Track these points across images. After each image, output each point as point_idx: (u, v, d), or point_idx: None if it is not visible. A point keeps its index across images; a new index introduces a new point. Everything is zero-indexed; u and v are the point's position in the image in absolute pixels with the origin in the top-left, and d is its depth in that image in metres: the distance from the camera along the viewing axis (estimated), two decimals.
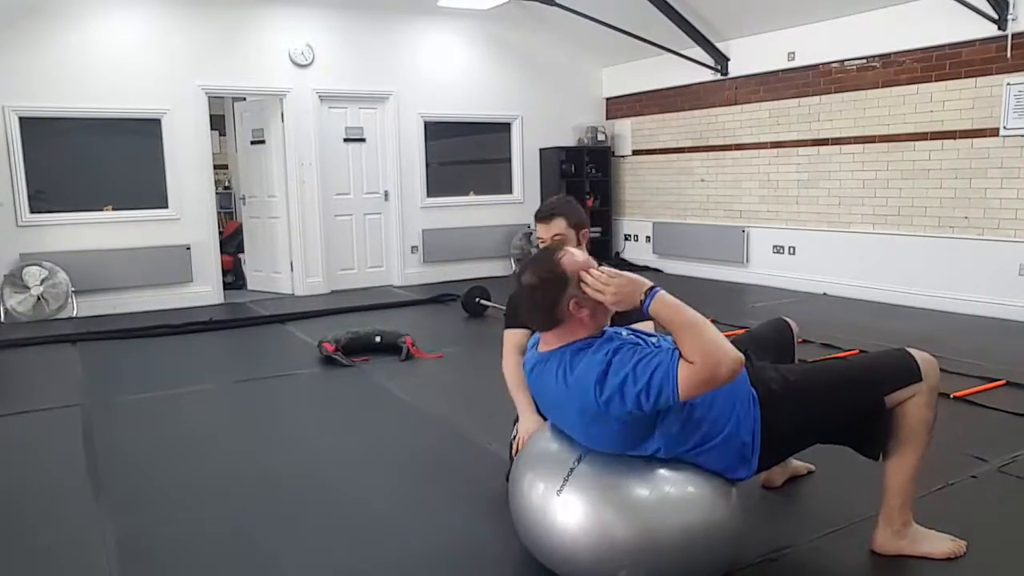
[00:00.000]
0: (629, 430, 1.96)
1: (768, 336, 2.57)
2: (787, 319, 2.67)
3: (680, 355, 1.84)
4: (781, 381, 2.13)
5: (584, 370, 1.95)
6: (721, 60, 7.80)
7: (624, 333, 2.11)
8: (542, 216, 2.85)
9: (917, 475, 2.20)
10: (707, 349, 1.80)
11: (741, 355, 1.82)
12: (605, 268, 2.02)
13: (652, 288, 1.91)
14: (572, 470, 2.04)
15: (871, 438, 2.16)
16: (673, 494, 2.00)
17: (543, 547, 2.09)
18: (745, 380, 2.08)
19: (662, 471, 2.01)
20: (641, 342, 2.01)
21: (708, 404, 1.99)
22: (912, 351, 2.18)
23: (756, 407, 2.06)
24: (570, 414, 2.07)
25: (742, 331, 2.71)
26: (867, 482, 2.39)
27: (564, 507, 2.00)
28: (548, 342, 2.09)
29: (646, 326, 2.76)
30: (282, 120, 7.63)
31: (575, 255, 2.05)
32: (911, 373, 2.12)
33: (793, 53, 7.13)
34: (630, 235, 9.42)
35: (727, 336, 1.89)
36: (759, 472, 2.13)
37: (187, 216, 7.23)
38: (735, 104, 7.84)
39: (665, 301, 1.90)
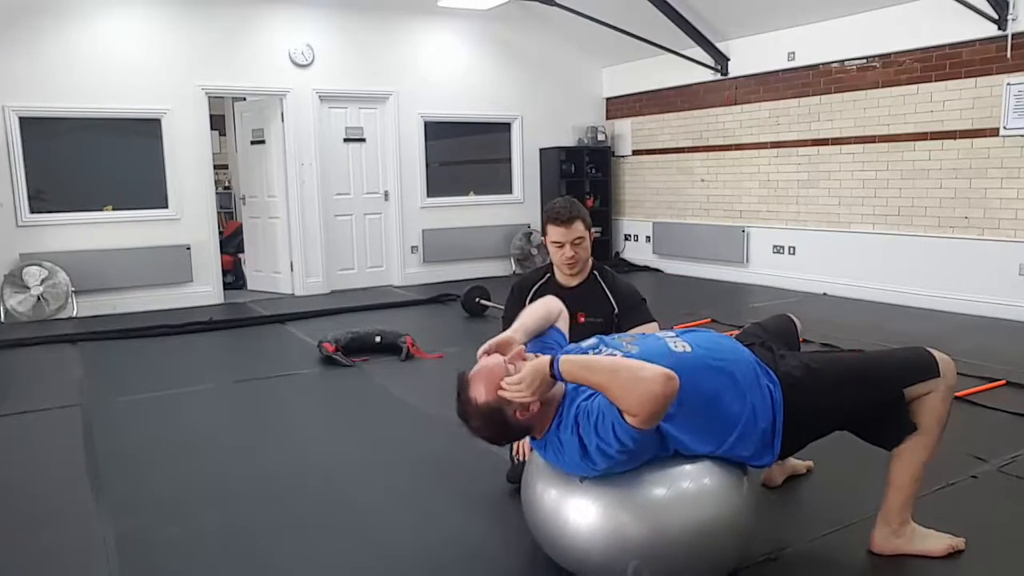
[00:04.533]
0: (638, 455, 1.96)
1: (775, 329, 2.57)
2: (791, 315, 2.68)
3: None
4: (803, 368, 2.15)
5: (570, 451, 1.99)
6: (721, 60, 7.80)
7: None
8: (563, 220, 2.76)
9: (922, 473, 2.20)
10: (632, 396, 1.80)
11: (666, 370, 1.80)
12: (505, 359, 2.02)
13: (552, 361, 1.93)
14: None
15: (888, 429, 2.17)
16: (686, 489, 2.01)
17: (556, 544, 2.10)
18: (751, 367, 2.09)
19: (675, 467, 2.02)
20: (592, 393, 1.98)
21: (714, 409, 2.00)
22: (931, 350, 2.21)
23: (777, 390, 2.08)
24: (584, 473, 2.07)
25: (741, 328, 2.70)
26: (867, 481, 2.39)
27: (578, 504, 2.01)
28: (536, 433, 2.10)
29: (650, 328, 2.76)
30: (282, 120, 7.63)
31: (486, 371, 2.01)
32: (930, 369, 2.14)
33: (793, 53, 7.13)
34: (630, 235, 9.42)
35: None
36: (782, 458, 2.13)
37: (187, 216, 7.23)
38: (735, 104, 7.84)
39: (571, 365, 1.91)
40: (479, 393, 1.98)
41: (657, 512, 1.98)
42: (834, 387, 2.14)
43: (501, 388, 1.95)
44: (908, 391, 2.13)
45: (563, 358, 1.94)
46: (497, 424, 2.00)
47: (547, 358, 1.95)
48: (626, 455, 1.91)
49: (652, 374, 1.79)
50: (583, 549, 2.02)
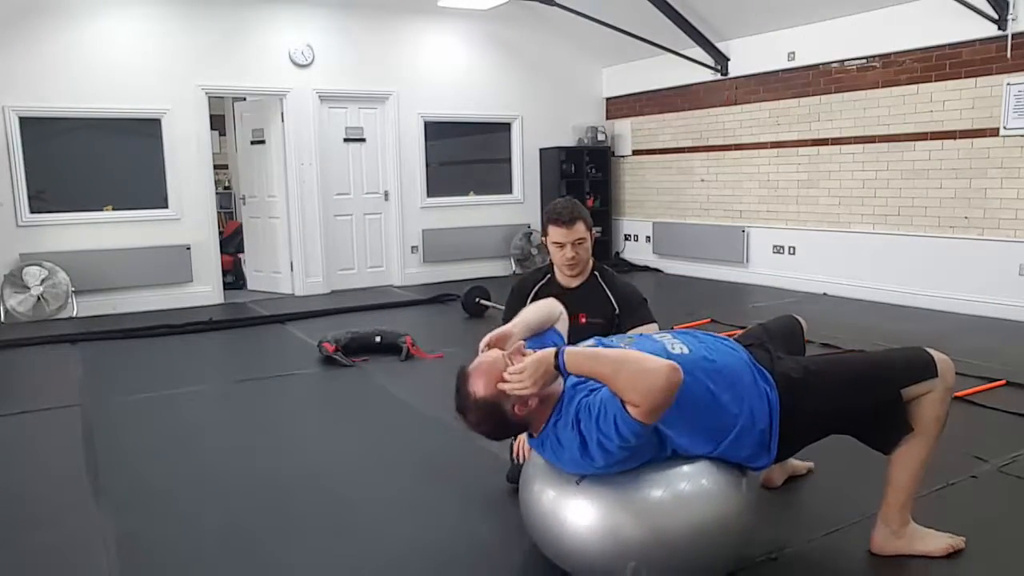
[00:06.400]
0: (637, 455, 1.97)
1: (780, 330, 2.56)
2: (797, 316, 2.67)
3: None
4: (801, 371, 2.15)
5: (568, 446, 1.98)
6: (721, 60, 7.80)
7: (573, 379, 2.06)
8: (565, 220, 2.76)
9: (921, 474, 2.20)
10: (637, 386, 1.80)
11: (670, 362, 1.81)
12: (505, 353, 2.01)
13: (557, 353, 1.93)
14: None
15: (886, 431, 2.17)
16: (684, 490, 2.01)
17: (555, 545, 2.10)
18: (749, 369, 2.09)
19: (673, 468, 2.02)
20: (592, 388, 2.00)
21: (711, 411, 2.00)
22: (929, 350, 2.20)
23: (774, 392, 2.08)
24: (582, 472, 2.07)
25: (744, 329, 2.69)
26: (867, 482, 2.39)
27: (576, 505, 2.01)
28: (532, 430, 2.11)
29: (650, 329, 2.76)
30: (282, 120, 7.63)
31: (486, 365, 2.01)
32: (928, 369, 2.14)
33: (793, 53, 7.13)
34: (630, 235, 9.42)
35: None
36: (777, 461, 2.13)
37: (187, 216, 7.23)
38: (735, 104, 7.84)
39: (576, 356, 1.92)
40: (478, 387, 1.99)
41: (655, 513, 1.98)
42: (831, 389, 2.13)
43: (502, 379, 1.95)
44: (906, 392, 2.12)
45: (568, 349, 1.94)
46: (495, 419, 2.01)
47: (551, 349, 1.97)
48: (627, 452, 1.90)
49: (657, 365, 1.81)
50: (581, 549, 2.02)
